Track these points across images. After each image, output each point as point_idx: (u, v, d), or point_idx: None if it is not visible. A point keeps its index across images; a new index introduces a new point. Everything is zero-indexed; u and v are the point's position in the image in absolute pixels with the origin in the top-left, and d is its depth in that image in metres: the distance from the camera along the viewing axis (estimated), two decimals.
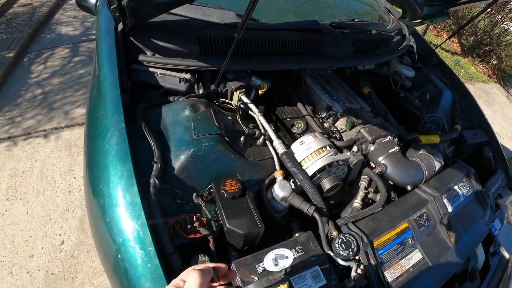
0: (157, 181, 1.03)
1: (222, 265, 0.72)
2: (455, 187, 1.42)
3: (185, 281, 0.67)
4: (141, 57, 1.37)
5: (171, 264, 0.95)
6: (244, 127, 1.26)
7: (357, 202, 1.20)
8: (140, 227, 0.95)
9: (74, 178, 2.66)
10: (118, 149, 1.05)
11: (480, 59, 6.83)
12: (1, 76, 3.42)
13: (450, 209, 1.33)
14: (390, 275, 1.08)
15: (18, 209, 2.42)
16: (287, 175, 1.18)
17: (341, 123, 1.43)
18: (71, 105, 3.28)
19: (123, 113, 1.13)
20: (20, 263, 2.16)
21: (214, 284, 0.71)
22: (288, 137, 1.41)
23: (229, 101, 1.37)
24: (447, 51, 6.83)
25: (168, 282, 0.81)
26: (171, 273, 0.94)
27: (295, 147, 1.23)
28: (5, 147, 2.83)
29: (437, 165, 1.44)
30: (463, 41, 7.10)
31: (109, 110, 1.16)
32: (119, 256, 0.98)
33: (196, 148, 1.10)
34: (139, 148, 1.11)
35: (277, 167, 1.19)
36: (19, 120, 3.05)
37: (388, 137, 1.36)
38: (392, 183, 1.34)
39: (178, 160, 1.09)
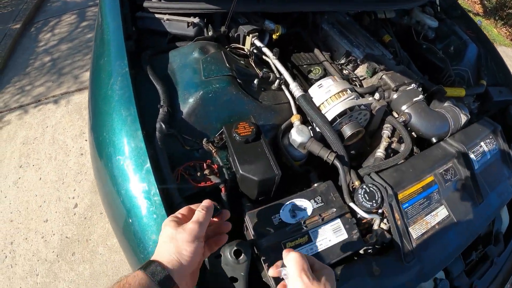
0: (163, 126, 0.93)
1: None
2: (482, 143, 1.28)
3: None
4: (146, 3, 1.27)
5: None
6: (258, 71, 1.13)
7: (380, 152, 1.08)
8: (145, 175, 0.86)
9: (86, 140, 2.59)
10: (121, 93, 0.97)
11: (503, 22, 6.27)
12: (8, 49, 3.33)
13: (476, 165, 1.20)
14: (415, 231, 0.97)
15: (31, 175, 2.39)
16: (305, 122, 1.06)
17: (361, 70, 1.29)
18: (80, 69, 3.20)
19: (127, 58, 1.04)
20: (35, 229, 2.14)
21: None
22: (305, 84, 1.29)
23: (241, 46, 1.23)
24: (469, 11, 6.38)
25: None
26: None
27: (313, 90, 1.10)
28: (16, 116, 2.78)
29: (463, 119, 1.30)
30: (485, 2, 6.58)
31: (113, 57, 1.07)
32: (124, 208, 0.90)
33: (205, 90, 0.99)
34: (146, 95, 1.02)
35: (294, 111, 1.07)
36: (28, 89, 2.99)
37: (412, 85, 1.22)
38: (415, 135, 1.20)
39: (187, 104, 0.99)
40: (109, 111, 0.97)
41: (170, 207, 0.85)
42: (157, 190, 0.83)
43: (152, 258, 0.61)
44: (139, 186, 0.87)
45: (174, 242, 0.61)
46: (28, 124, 2.70)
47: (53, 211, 2.20)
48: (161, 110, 0.95)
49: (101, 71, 1.09)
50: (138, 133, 0.89)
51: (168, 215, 0.80)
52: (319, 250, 0.83)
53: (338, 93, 1.05)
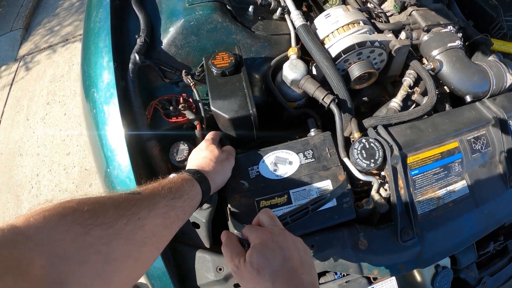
0: (137, 57, 0.81)
1: None
2: None
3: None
4: None
5: (147, 150, 0.77)
6: None
7: (395, 102, 0.85)
8: (113, 107, 0.78)
9: None
10: (100, 26, 0.91)
11: None
12: None
13: None
14: (421, 206, 0.77)
15: (57, 111, 2.42)
16: (308, 62, 0.87)
17: (389, 4, 1.01)
18: None
19: None
20: (58, 161, 2.20)
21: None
22: None
23: None
24: None
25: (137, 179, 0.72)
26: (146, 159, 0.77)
27: (319, 21, 0.87)
28: (46, 56, 2.79)
29: (510, 79, 0.99)
30: None
31: None
32: (96, 142, 0.84)
33: (187, 18, 0.83)
34: (133, 27, 0.91)
35: (293, 43, 0.87)
36: (57, 29, 2.97)
37: (449, 27, 0.94)
38: (447, 90, 0.94)
39: (167, 33, 0.85)
40: (88, 44, 0.90)
41: (138, 142, 0.77)
42: (121, 124, 0.75)
43: None
44: (107, 119, 0.79)
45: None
46: (56, 62, 2.70)
47: (75, 144, 2.23)
48: (138, 40, 0.83)
49: (90, 5, 1.00)
50: (110, 64, 0.81)
51: (130, 151, 0.73)
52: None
53: (348, 24, 0.81)
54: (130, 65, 0.80)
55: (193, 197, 0.55)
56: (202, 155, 0.66)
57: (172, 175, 0.60)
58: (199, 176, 0.59)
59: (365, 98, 0.91)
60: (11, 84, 2.71)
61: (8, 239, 0.31)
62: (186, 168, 0.64)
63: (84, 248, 0.36)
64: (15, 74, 2.76)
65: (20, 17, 3.10)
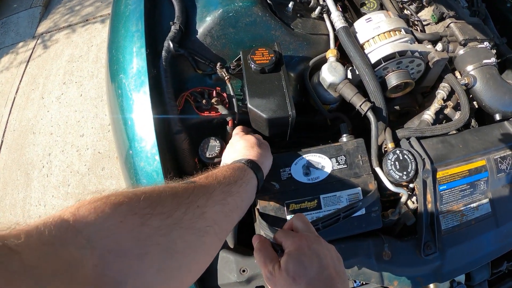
0: (171, 45, 0.75)
1: None
2: None
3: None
4: None
5: (176, 144, 0.72)
6: None
7: (428, 114, 0.81)
8: (142, 96, 0.72)
9: None
10: (132, 9, 0.84)
11: None
12: None
13: None
14: (445, 221, 0.73)
15: (73, 92, 2.34)
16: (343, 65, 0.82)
17: (426, 13, 0.96)
18: None
19: None
20: (71, 142, 2.13)
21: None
22: (356, 19, 0.99)
23: None
24: None
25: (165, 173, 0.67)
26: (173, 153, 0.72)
27: (360, 24, 0.83)
28: (65, 35, 2.70)
29: None
30: None
31: None
32: (121, 131, 0.78)
33: (225, 9, 0.78)
34: (167, 13, 0.85)
35: (332, 45, 0.82)
36: (78, 9, 2.86)
37: (485, 43, 0.90)
38: (476, 106, 0.91)
39: (203, 23, 0.79)
40: (118, 27, 0.85)
41: (166, 134, 0.72)
42: (152, 115, 0.69)
43: None
44: (135, 107, 0.74)
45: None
46: (75, 42, 2.61)
47: (90, 126, 2.16)
48: (172, 27, 0.78)
49: None
50: (142, 50, 0.75)
51: (158, 143, 0.68)
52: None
53: (389, 31, 0.77)
54: (163, 53, 0.74)
55: (247, 181, 0.51)
56: (239, 146, 0.62)
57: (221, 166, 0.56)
58: (251, 165, 0.55)
59: (396, 107, 0.87)
60: (28, 61, 2.62)
61: (56, 236, 0.26)
62: (221, 165, 0.60)
63: (142, 240, 0.32)
64: (32, 52, 2.67)
65: None
